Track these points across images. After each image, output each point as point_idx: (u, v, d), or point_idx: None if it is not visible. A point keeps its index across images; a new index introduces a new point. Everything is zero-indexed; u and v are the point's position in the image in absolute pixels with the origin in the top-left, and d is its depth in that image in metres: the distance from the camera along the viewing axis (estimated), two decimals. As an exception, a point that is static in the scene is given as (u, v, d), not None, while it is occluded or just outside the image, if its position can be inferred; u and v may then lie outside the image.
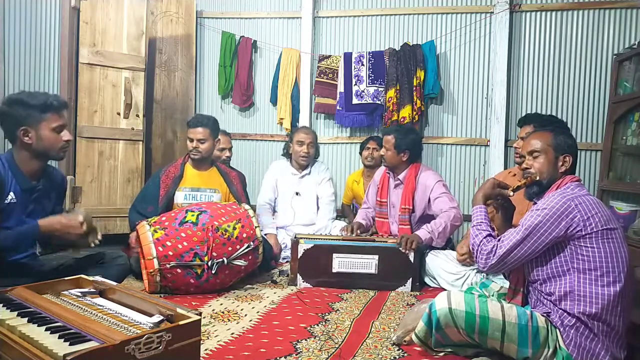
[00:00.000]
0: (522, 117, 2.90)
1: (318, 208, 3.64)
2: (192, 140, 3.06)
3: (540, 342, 1.66)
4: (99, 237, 2.12)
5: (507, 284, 2.07)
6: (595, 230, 1.61)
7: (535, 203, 1.82)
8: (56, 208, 2.29)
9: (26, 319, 1.33)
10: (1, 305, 1.43)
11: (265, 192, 3.64)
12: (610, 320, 1.62)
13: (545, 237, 1.65)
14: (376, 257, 2.76)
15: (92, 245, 2.11)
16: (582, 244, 1.63)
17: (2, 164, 2.05)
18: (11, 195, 2.04)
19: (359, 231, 3.16)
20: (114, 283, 1.62)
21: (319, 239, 2.92)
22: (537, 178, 1.80)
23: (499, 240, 1.75)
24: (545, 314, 1.70)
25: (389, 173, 3.25)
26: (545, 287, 1.73)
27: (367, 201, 3.44)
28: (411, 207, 3.08)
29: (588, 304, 1.61)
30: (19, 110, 2.01)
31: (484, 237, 1.80)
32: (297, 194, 3.60)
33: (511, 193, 1.89)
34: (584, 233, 1.62)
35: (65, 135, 2.11)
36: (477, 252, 1.80)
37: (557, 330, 1.67)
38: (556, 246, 1.68)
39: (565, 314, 1.65)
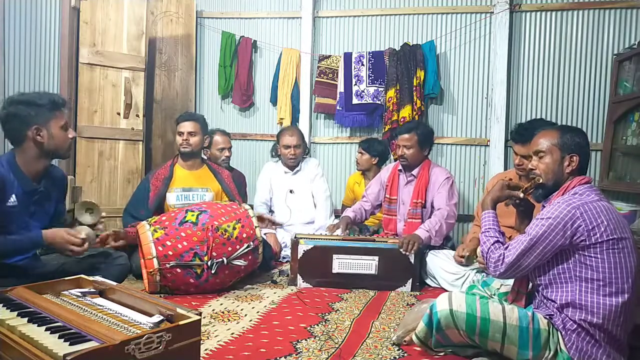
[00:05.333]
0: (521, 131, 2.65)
1: (315, 205, 3.64)
2: (181, 134, 3.09)
3: (542, 345, 1.65)
4: (101, 221, 2.18)
5: (506, 281, 2.07)
6: (600, 240, 1.57)
7: (544, 206, 1.79)
8: (58, 206, 2.28)
9: (26, 319, 1.33)
10: (1, 305, 1.43)
11: (260, 192, 3.66)
12: (612, 329, 1.60)
13: (552, 246, 1.62)
14: (376, 258, 2.75)
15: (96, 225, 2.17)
16: (587, 254, 1.59)
17: (2, 165, 2.02)
18: (13, 198, 2.01)
19: (347, 230, 3.13)
20: (114, 283, 1.62)
21: (319, 239, 2.92)
22: (541, 181, 1.76)
23: (506, 248, 1.72)
24: (547, 316, 1.69)
25: (400, 171, 3.25)
26: (548, 293, 1.71)
27: (366, 195, 3.43)
28: (423, 201, 3.09)
29: (590, 313, 1.59)
30: (29, 109, 2.02)
31: (492, 244, 1.77)
32: (290, 191, 3.62)
33: (521, 195, 1.84)
34: (588, 243, 1.58)
35: (71, 132, 2.16)
36: (486, 260, 1.78)
37: (559, 333, 1.66)
38: (560, 253, 1.65)
39: (567, 318, 1.64)
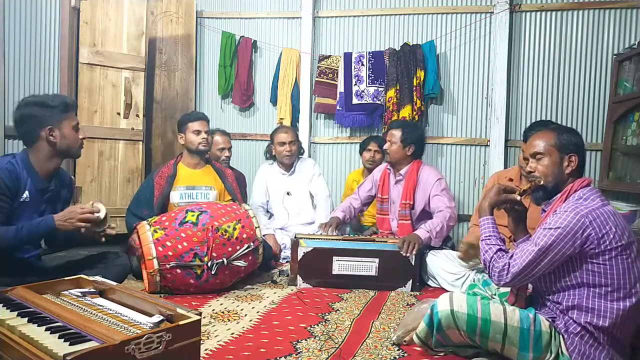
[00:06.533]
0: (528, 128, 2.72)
1: (314, 206, 3.63)
2: (199, 132, 3.06)
3: (543, 347, 1.64)
4: (112, 226, 2.15)
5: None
6: (609, 247, 1.56)
7: (544, 210, 1.77)
8: (65, 207, 2.29)
9: (26, 319, 1.33)
10: (1, 305, 1.43)
11: (256, 195, 3.64)
12: (617, 333, 1.60)
13: (560, 255, 1.59)
14: (377, 260, 2.74)
15: (108, 232, 2.13)
16: (595, 261, 1.58)
17: (17, 163, 2.09)
18: (25, 194, 2.08)
19: (336, 231, 3.13)
20: (114, 283, 1.62)
21: (319, 239, 2.91)
22: (542, 183, 1.73)
23: (510, 257, 1.69)
24: (550, 319, 1.68)
25: (389, 169, 3.26)
26: (553, 297, 1.70)
27: (357, 192, 3.42)
28: (412, 202, 3.09)
29: (596, 316, 1.58)
30: (42, 111, 2.09)
31: (495, 253, 1.73)
32: (287, 193, 3.60)
33: (518, 198, 1.81)
34: (597, 251, 1.57)
35: (81, 133, 2.22)
36: (489, 269, 1.74)
37: (561, 336, 1.65)
38: (568, 261, 1.62)
39: (571, 321, 1.63)
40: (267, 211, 3.68)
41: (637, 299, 1.58)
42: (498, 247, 1.74)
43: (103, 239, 2.13)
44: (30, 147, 2.14)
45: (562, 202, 1.69)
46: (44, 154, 2.13)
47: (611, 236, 1.56)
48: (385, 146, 3.18)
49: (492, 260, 1.72)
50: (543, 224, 1.67)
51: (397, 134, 3.12)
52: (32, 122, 2.09)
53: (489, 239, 1.78)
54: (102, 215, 2.07)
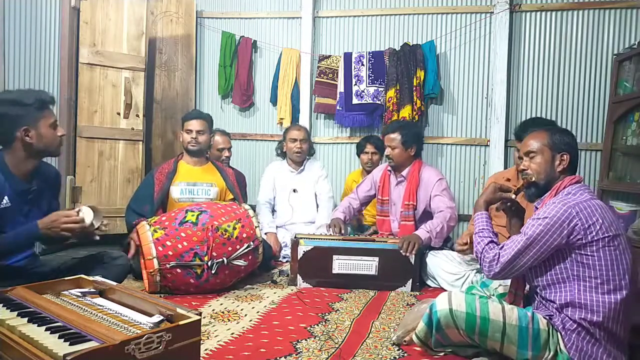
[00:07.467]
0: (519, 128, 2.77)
1: (317, 206, 3.65)
2: (190, 132, 3.08)
3: (541, 345, 1.65)
4: (104, 223, 2.05)
5: (505, 281, 2.07)
6: (596, 238, 1.59)
7: (537, 208, 1.80)
8: (52, 204, 2.25)
9: (26, 319, 1.33)
10: (1, 305, 1.43)
11: (264, 191, 3.66)
12: (612, 327, 1.61)
13: (547, 246, 1.63)
14: (376, 259, 2.75)
15: (98, 229, 2.03)
16: (583, 252, 1.61)
17: None
18: (5, 200, 1.99)
19: (341, 231, 3.10)
20: (114, 283, 1.62)
21: (319, 239, 2.91)
22: (533, 179, 1.78)
23: (501, 248, 1.73)
24: (547, 317, 1.69)
25: (390, 171, 3.25)
26: (546, 294, 1.71)
27: (355, 192, 3.41)
28: (415, 203, 3.08)
29: (590, 311, 1.60)
30: (17, 110, 1.97)
31: (486, 245, 1.77)
32: (294, 190, 3.62)
33: (513, 196, 1.87)
34: (584, 241, 1.59)
35: (59, 130, 2.11)
36: (481, 260, 1.79)
37: (559, 334, 1.66)
38: (557, 253, 1.66)
39: (567, 318, 1.64)
40: (273, 208, 3.70)
41: (627, 291, 1.60)
42: (489, 239, 1.79)
43: (97, 237, 2.04)
44: (6, 148, 2.02)
45: (551, 198, 1.73)
46: (20, 154, 2.02)
47: (597, 227, 1.59)
48: (387, 152, 3.15)
49: (484, 251, 1.77)
50: (532, 215, 1.72)
51: (396, 137, 3.10)
52: (6, 123, 1.96)
53: (481, 232, 1.83)
54: (87, 221, 1.96)
